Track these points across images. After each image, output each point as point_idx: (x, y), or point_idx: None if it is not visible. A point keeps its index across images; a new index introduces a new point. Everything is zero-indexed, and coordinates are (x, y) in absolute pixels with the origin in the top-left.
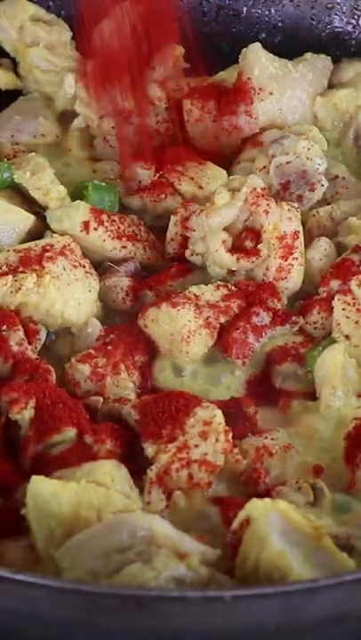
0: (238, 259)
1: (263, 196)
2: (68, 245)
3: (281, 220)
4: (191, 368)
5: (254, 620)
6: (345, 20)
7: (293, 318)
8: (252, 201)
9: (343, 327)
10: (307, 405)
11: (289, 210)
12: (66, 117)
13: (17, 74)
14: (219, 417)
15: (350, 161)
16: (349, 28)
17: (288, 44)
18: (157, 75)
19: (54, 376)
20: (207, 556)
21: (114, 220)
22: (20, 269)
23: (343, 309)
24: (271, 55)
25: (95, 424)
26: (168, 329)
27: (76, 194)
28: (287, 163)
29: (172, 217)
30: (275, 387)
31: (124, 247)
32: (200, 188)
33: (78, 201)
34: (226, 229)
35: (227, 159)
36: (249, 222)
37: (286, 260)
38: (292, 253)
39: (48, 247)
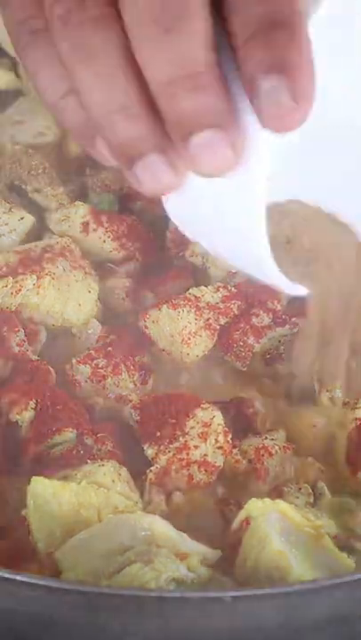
0: None
1: None
2: (68, 246)
3: None
4: (191, 369)
5: (254, 620)
6: None
7: (293, 319)
8: None
9: None
10: (307, 405)
11: None
12: None
13: (17, 74)
14: (218, 418)
15: None
16: None
17: None
18: None
19: (54, 377)
20: (207, 556)
21: (113, 221)
22: (20, 270)
23: None
24: None
25: (95, 425)
26: (168, 330)
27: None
28: None
29: None
30: (275, 387)
31: (124, 248)
32: None
33: (78, 202)
34: None
35: None
36: None
37: None
38: None
39: (48, 248)
